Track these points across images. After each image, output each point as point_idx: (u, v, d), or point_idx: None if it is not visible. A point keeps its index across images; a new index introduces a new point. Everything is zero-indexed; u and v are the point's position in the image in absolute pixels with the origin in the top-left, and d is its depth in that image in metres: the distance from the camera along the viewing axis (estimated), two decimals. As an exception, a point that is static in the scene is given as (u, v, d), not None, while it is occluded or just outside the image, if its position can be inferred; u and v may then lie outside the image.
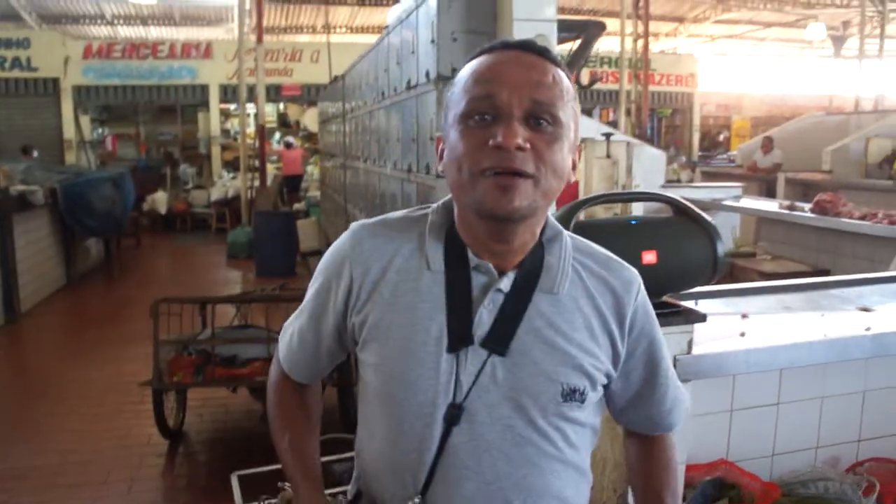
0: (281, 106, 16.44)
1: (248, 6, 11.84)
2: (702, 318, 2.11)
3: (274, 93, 14.20)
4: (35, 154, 11.18)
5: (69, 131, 13.65)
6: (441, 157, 1.09)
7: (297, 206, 11.90)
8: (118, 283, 8.91)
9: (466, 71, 1.06)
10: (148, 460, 3.90)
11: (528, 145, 0.98)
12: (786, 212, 6.19)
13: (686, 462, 2.16)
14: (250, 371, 3.85)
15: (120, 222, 9.26)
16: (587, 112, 12.13)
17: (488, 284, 1.08)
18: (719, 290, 2.86)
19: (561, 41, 3.66)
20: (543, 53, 1.05)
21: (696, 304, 2.43)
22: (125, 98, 14.18)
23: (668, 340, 2.04)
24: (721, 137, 18.23)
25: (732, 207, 6.60)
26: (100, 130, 15.18)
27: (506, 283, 1.08)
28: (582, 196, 3.68)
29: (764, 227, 6.85)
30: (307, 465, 1.24)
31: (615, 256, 1.18)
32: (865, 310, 2.65)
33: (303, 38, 16.07)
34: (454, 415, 1.06)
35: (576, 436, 1.11)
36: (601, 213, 3.45)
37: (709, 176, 11.36)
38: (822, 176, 9.88)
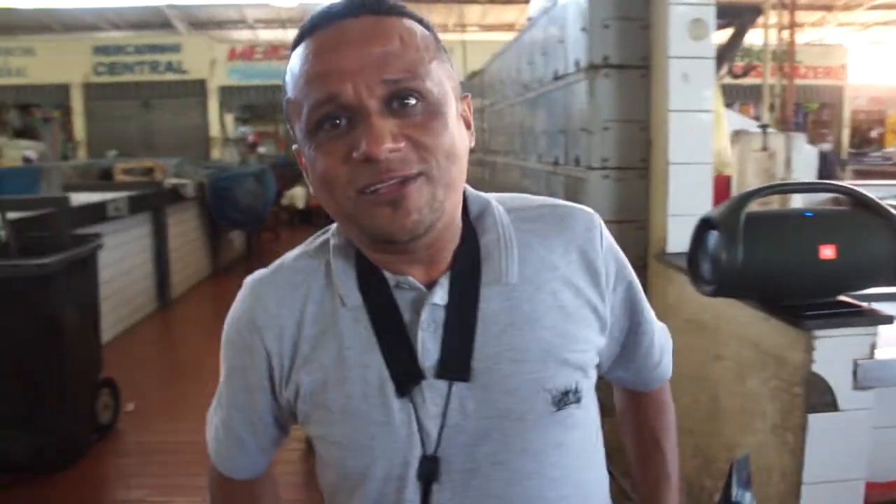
0: (413, 104, 16.68)
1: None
2: (888, 319, 1.94)
3: (407, 91, 14.43)
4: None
5: (214, 129, 14.41)
6: (307, 177, 0.85)
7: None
8: (259, 275, 9.27)
9: (295, 67, 0.81)
10: (290, 444, 4.01)
11: (401, 143, 0.76)
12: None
13: (866, 479, 1.98)
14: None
15: (262, 216, 9.66)
16: (726, 107, 11.61)
17: (419, 301, 0.86)
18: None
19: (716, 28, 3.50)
20: (378, 8, 0.80)
21: (870, 306, 2.25)
22: (266, 97, 14.82)
23: (847, 343, 1.91)
24: (874, 134, 17.07)
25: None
26: (242, 129, 15.91)
27: (440, 294, 0.86)
28: (735, 191, 3.51)
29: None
30: None
31: (558, 201, 0.95)
32: None
33: (434, 37, 16.22)
34: (430, 470, 0.85)
35: (581, 444, 0.91)
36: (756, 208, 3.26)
37: (861, 174, 10.66)
38: None
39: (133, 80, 14.35)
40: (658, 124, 2.69)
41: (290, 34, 12.44)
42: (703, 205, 2.55)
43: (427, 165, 0.78)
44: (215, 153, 14.14)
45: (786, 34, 12.65)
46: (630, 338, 1.00)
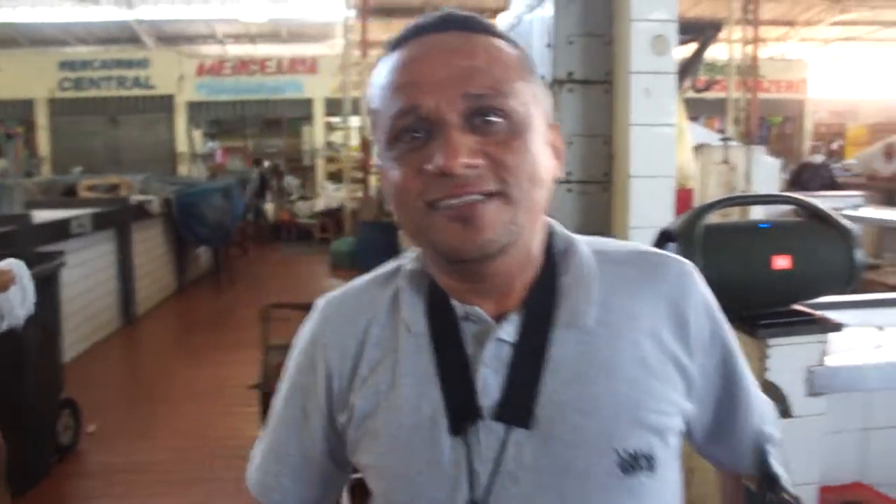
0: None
1: (351, 22, 12.10)
2: (837, 327, 1.98)
3: (377, 106, 14.48)
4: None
5: (182, 145, 14.33)
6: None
7: (398, 216, 12.05)
8: (225, 291, 9.20)
9: (380, 79, 0.80)
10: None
11: (479, 160, 0.73)
12: (915, 221, 5.83)
13: (819, 483, 2.01)
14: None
15: (229, 232, 9.60)
16: (692, 120, 11.79)
17: (485, 335, 0.81)
18: (851, 300, 2.69)
19: (679, 44, 3.55)
20: (468, 25, 0.79)
21: (822, 314, 2.30)
22: (234, 112, 14.81)
23: (800, 350, 1.95)
24: (834, 146, 17.42)
25: (854, 217, 6.24)
26: (210, 144, 15.83)
27: (509, 330, 0.80)
28: (697, 203, 3.56)
29: (888, 238, 6.46)
30: None
31: (651, 248, 0.90)
32: None
33: (407, 52, 16.32)
34: None
35: None
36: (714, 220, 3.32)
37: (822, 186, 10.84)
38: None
39: (99, 96, 14.26)
40: (620, 138, 2.72)
41: (260, 49, 12.45)
42: (666, 217, 2.57)
43: (506, 186, 0.74)
44: (183, 169, 14.05)
45: (749, 49, 12.89)
46: (724, 407, 0.90)
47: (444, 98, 0.74)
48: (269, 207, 13.57)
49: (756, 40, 12.71)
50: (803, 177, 8.23)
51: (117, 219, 6.95)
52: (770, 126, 16.75)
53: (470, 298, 0.82)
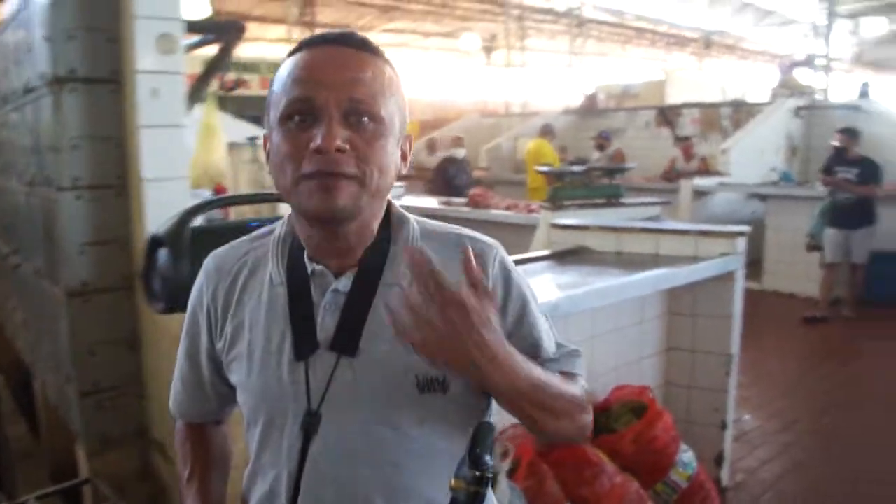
0: None
1: None
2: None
3: None
4: None
5: None
6: (268, 157, 1.07)
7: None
8: None
9: (285, 70, 1.04)
10: None
11: (347, 146, 0.97)
12: (443, 207, 6.66)
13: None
14: None
15: None
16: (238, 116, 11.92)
17: (326, 287, 1.06)
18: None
19: (202, 45, 3.54)
20: (362, 47, 1.04)
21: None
22: None
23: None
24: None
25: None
26: None
27: (344, 283, 1.06)
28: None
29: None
30: None
31: (469, 232, 1.15)
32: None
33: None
34: (310, 423, 1.04)
35: (444, 426, 1.07)
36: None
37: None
38: (481, 172, 10.80)
39: None
40: (130, 140, 2.63)
41: None
42: (183, 220, 2.55)
43: (362, 173, 0.99)
44: None
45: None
46: (527, 347, 1.11)
47: (333, 96, 0.98)
48: None
49: (314, 41, 13.37)
50: (449, 171, 8.78)
51: None
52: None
53: (320, 257, 1.07)
